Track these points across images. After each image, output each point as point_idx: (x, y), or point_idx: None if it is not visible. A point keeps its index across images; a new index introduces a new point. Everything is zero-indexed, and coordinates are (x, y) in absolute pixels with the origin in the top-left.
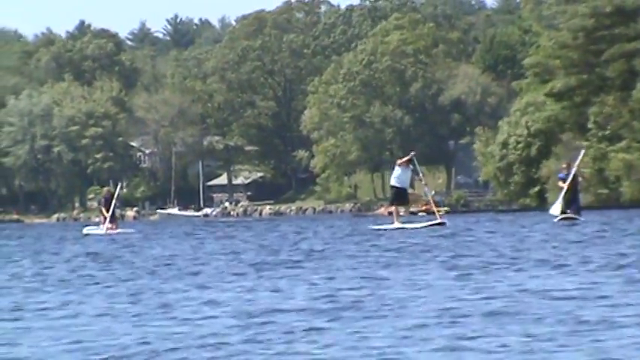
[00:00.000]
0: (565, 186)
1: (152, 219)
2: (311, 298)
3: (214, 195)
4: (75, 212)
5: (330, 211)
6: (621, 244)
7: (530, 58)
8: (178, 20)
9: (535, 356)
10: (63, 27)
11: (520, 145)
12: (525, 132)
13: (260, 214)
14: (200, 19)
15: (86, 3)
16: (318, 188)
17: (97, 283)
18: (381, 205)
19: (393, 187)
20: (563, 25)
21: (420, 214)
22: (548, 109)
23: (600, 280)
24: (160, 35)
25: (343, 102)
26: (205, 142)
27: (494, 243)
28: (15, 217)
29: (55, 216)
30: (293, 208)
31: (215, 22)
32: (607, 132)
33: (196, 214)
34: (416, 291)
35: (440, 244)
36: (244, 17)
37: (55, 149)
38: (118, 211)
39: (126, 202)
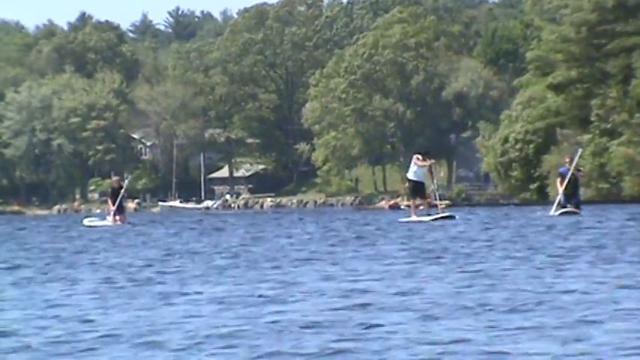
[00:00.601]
0: (562, 187)
1: (153, 211)
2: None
3: (215, 187)
4: (76, 204)
5: (331, 204)
6: None
7: (532, 52)
8: (180, 12)
9: None
10: (64, 18)
11: (519, 145)
12: (526, 128)
13: (261, 206)
14: (202, 12)
15: None
16: (319, 181)
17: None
18: (382, 199)
19: (410, 180)
20: (566, 20)
21: (421, 207)
22: (550, 102)
23: None
24: (162, 27)
25: (344, 95)
26: (207, 135)
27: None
28: (16, 208)
29: (56, 207)
30: (294, 200)
31: (217, 15)
32: (608, 126)
33: (197, 206)
34: None
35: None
36: (246, 10)
37: (55, 142)
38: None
39: (127, 194)
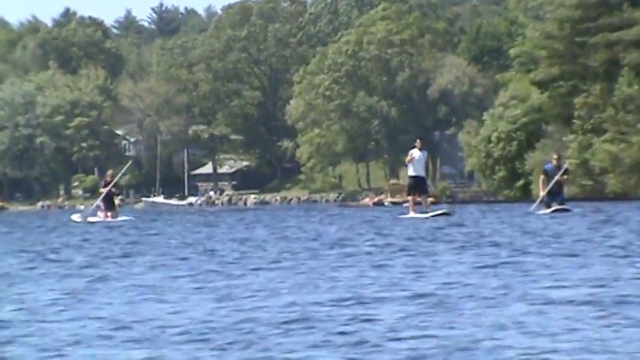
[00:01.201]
0: (545, 186)
1: (137, 207)
2: None
3: (199, 184)
4: (60, 200)
5: (315, 201)
6: None
7: (516, 48)
8: (164, 9)
9: None
10: (48, 14)
11: (502, 143)
12: (509, 127)
13: (245, 203)
14: (185, 8)
15: None
16: (303, 178)
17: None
18: (366, 196)
19: (410, 177)
20: (550, 16)
21: (405, 204)
22: (533, 99)
23: None
24: (146, 24)
25: (328, 92)
26: (190, 131)
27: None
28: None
29: (40, 203)
30: (278, 197)
31: (201, 11)
32: (591, 123)
33: (181, 202)
34: None
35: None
36: (230, 6)
37: (38, 139)
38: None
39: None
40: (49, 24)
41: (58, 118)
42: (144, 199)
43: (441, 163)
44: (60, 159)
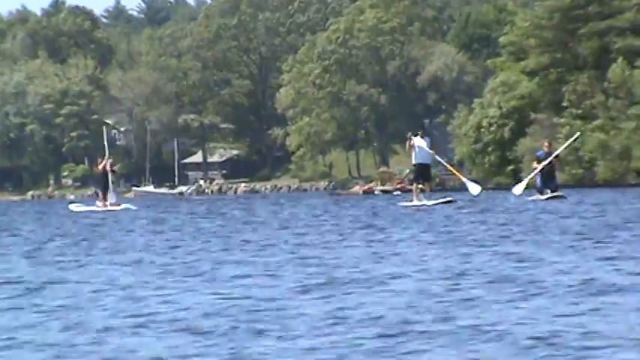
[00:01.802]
0: (539, 167)
1: (127, 196)
2: None
3: (189, 173)
4: (49, 190)
5: (305, 189)
6: None
7: (505, 37)
8: None
9: None
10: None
11: (493, 128)
12: (499, 112)
13: (235, 192)
14: None
15: None
16: (293, 166)
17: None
18: (356, 184)
19: (414, 164)
20: (539, 5)
21: (395, 192)
22: (523, 86)
23: None
24: (135, 13)
25: (318, 80)
26: (180, 120)
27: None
28: None
29: (30, 193)
30: (268, 186)
31: (190, 0)
32: (581, 110)
33: (171, 191)
34: None
35: None
36: None
37: (28, 127)
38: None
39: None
40: (39, 13)
41: (48, 106)
42: (134, 188)
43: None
44: (50, 148)
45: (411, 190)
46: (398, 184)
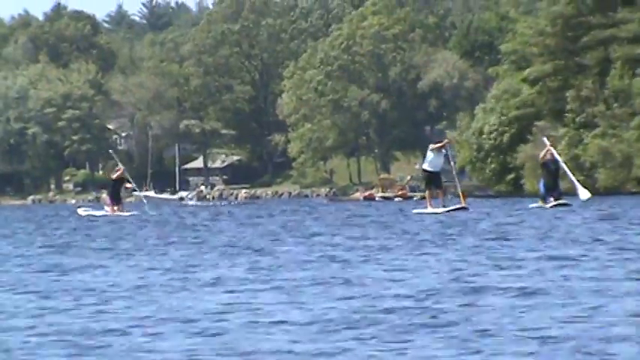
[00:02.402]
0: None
1: (127, 201)
2: None
3: (190, 178)
4: (50, 194)
5: (306, 196)
6: None
7: (507, 44)
8: (155, 3)
9: None
10: (39, 9)
11: (494, 134)
12: (500, 119)
13: (236, 197)
14: (176, 2)
15: None
16: (294, 173)
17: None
18: (357, 190)
19: (425, 171)
20: (542, 12)
21: (397, 199)
22: (525, 94)
23: None
24: (137, 18)
25: (320, 87)
26: (182, 126)
27: None
28: None
29: (31, 198)
30: (269, 192)
31: (192, 6)
32: (583, 117)
33: (172, 197)
34: None
35: None
36: (221, 1)
37: (30, 131)
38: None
39: (102, 185)
40: (41, 18)
41: (50, 110)
42: (135, 193)
43: None
44: (51, 153)
45: (411, 198)
46: (399, 190)
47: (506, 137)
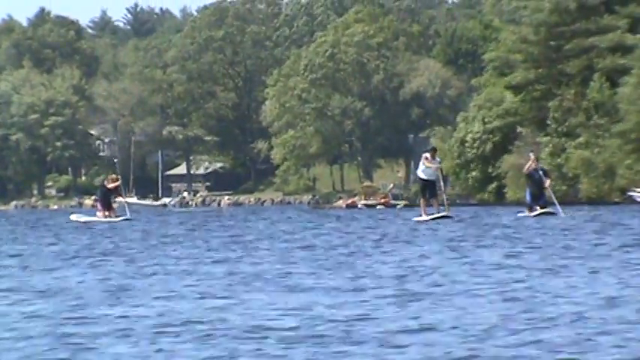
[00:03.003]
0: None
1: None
2: None
3: (173, 185)
4: (33, 200)
5: (289, 203)
6: None
7: (491, 52)
8: (139, 9)
9: None
10: (23, 14)
11: (477, 143)
12: (482, 128)
13: (219, 204)
14: (161, 9)
15: None
16: (277, 180)
17: None
18: (340, 198)
19: (421, 179)
20: (525, 20)
21: (379, 207)
22: (507, 102)
23: None
24: (121, 24)
25: (304, 94)
26: (165, 132)
27: None
28: None
29: (13, 203)
30: (251, 199)
31: (176, 12)
32: (566, 126)
33: (155, 203)
34: None
35: None
36: (205, 7)
37: (13, 137)
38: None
39: (84, 191)
40: (24, 23)
41: (33, 116)
42: (117, 199)
43: (415, 165)
44: (34, 159)
45: (394, 206)
46: (381, 198)
47: (489, 146)
